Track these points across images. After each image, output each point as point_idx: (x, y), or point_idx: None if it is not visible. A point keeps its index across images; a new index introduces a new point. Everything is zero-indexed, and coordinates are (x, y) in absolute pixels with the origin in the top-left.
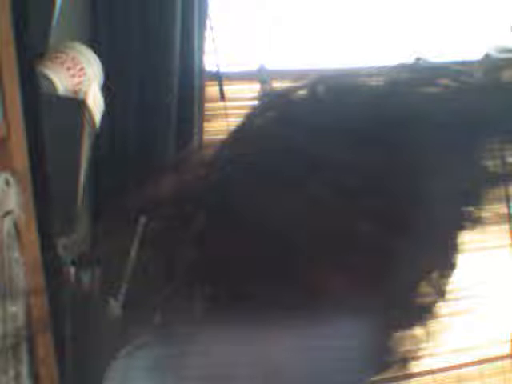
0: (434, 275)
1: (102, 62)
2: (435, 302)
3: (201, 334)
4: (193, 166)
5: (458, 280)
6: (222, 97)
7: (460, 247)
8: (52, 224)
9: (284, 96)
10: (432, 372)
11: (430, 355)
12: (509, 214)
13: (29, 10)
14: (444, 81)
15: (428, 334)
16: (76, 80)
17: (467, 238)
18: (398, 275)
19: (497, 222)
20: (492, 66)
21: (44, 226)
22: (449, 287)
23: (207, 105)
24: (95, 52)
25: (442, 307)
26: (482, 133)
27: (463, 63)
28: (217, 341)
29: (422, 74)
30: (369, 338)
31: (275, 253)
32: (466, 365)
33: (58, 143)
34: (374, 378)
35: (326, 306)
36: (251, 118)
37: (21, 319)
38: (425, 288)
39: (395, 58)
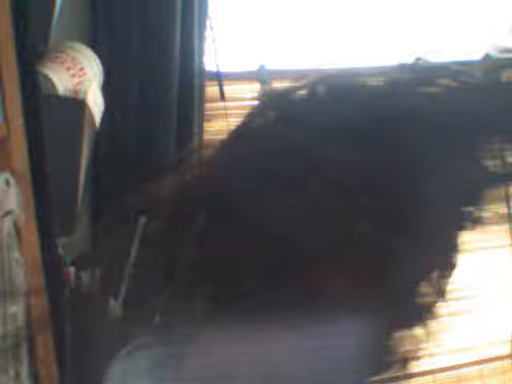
0: (434, 275)
1: (102, 62)
2: (435, 302)
3: (201, 334)
4: (193, 166)
5: (458, 280)
6: (222, 97)
7: (460, 247)
8: (52, 224)
9: (284, 96)
10: (432, 372)
11: (430, 355)
12: (509, 213)
13: (29, 10)
14: (444, 81)
15: (428, 334)
16: (76, 80)
17: (467, 238)
18: (398, 275)
19: (497, 222)
20: (492, 66)
21: (44, 226)
22: (449, 287)
23: (207, 105)
24: (95, 52)
25: (441, 307)
26: (482, 133)
27: (463, 63)
28: (217, 341)
29: (422, 74)
30: (369, 338)
31: (275, 253)
32: (466, 365)
33: (58, 143)
34: (374, 378)
35: (327, 306)
36: (251, 117)
37: (21, 319)
38: (425, 288)
39: (395, 58)
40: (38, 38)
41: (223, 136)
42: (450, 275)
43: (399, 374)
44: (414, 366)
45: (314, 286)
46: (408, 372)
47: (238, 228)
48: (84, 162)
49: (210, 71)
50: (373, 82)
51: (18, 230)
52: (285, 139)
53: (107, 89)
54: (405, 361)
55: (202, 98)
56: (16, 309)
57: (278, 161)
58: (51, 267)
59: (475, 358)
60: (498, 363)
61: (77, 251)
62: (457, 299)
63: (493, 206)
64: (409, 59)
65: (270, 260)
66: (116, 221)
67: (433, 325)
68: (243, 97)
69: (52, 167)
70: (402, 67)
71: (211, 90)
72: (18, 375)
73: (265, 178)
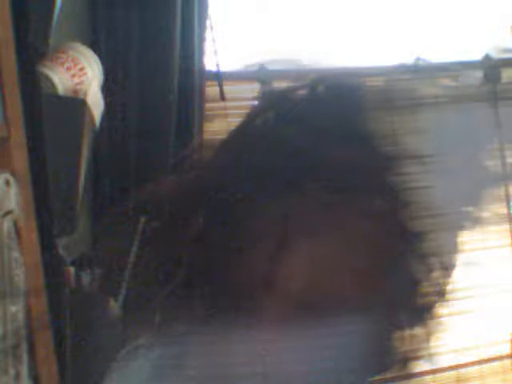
0: (434, 275)
1: (102, 62)
2: (435, 301)
3: (201, 334)
4: (192, 166)
5: (458, 280)
6: (222, 97)
7: (460, 247)
8: (52, 224)
9: (284, 96)
10: (432, 372)
11: (430, 355)
12: (509, 214)
13: (29, 10)
14: (444, 81)
15: (428, 333)
16: (76, 80)
17: (467, 238)
18: (398, 276)
19: (497, 222)
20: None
21: (44, 225)
22: (449, 287)
23: (207, 105)
24: (95, 52)
25: (442, 307)
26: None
27: (463, 63)
28: (216, 341)
29: (421, 74)
30: (369, 338)
31: (274, 253)
32: (466, 365)
33: (58, 143)
34: (374, 378)
35: (328, 307)
36: (250, 117)
37: (21, 319)
38: (425, 288)
39: (395, 57)
40: (38, 37)
41: (223, 136)
42: (450, 275)
43: (399, 374)
44: (414, 366)
45: (314, 287)
46: (408, 372)
47: (237, 227)
48: (84, 161)
49: (210, 71)
50: (373, 81)
51: (17, 230)
52: (285, 139)
53: (107, 89)
54: (405, 361)
55: (202, 98)
56: (16, 309)
57: (276, 161)
58: (51, 267)
59: (475, 358)
60: (498, 363)
61: (77, 251)
62: (457, 299)
63: (493, 206)
64: (408, 59)
65: (269, 260)
66: (116, 221)
67: (433, 325)
68: (243, 97)
69: (52, 167)
70: (402, 67)
71: (211, 90)
72: (18, 375)
73: (263, 177)
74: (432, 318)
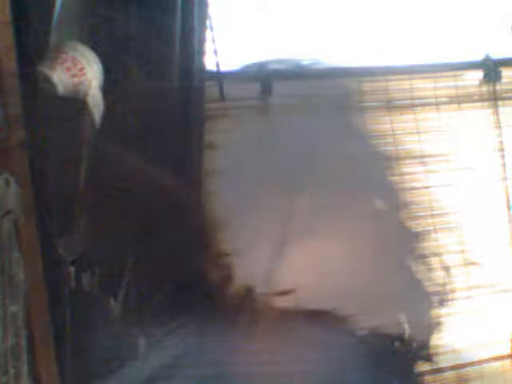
0: (434, 275)
1: (102, 62)
2: (436, 301)
3: (200, 334)
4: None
5: (458, 280)
6: (222, 97)
7: (462, 248)
8: (52, 224)
9: None
10: (432, 372)
11: (431, 355)
12: (510, 214)
13: (29, 10)
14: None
15: (429, 333)
16: (76, 80)
17: (467, 238)
18: (398, 276)
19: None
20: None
21: (44, 226)
22: (450, 287)
23: (207, 105)
24: (95, 52)
25: (442, 307)
26: None
27: (463, 63)
28: (216, 341)
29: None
30: (370, 337)
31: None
32: (466, 365)
33: (58, 143)
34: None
35: (327, 307)
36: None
37: (21, 319)
38: (425, 288)
39: (395, 58)
40: (38, 37)
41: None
42: (450, 276)
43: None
44: (416, 365)
45: (311, 286)
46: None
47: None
48: (84, 162)
49: (210, 71)
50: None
51: (17, 230)
52: None
53: (107, 88)
54: (407, 360)
55: (202, 98)
56: (16, 309)
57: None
58: (51, 267)
59: (475, 358)
60: (498, 363)
61: (77, 251)
62: (457, 299)
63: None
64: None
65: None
66: (115, 219)
67: (433, 324)
68: (243, 97)
69: (52, 167)
70: (402, 67)
71: (211, 90)
72: (18, 375)
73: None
74: (432, 317)
